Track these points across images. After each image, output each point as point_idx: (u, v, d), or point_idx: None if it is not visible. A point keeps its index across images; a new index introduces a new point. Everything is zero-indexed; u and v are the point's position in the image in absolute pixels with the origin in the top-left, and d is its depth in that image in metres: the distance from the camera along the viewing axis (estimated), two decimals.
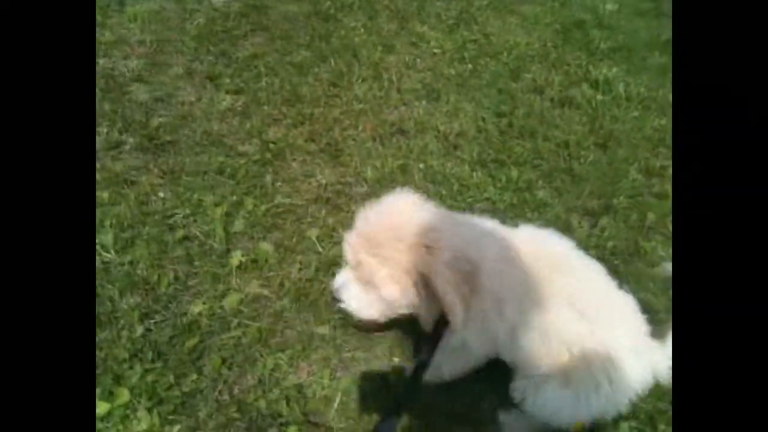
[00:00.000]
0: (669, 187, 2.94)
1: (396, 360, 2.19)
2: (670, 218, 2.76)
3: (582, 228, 2.74)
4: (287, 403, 2.05)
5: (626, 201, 2.85)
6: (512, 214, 2.80)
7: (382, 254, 1.56)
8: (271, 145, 3.06)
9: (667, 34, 4.42)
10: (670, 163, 3.10)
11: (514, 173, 3.01)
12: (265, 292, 2.36)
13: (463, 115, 3.41)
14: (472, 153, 3.13)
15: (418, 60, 3.91)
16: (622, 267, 2.50)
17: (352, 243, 1.66)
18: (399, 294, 1.59)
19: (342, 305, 1.77)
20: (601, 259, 2.55)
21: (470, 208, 2.85)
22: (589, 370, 1.69)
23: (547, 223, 2.73)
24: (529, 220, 2.77)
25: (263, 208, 2.69)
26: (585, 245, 2.60)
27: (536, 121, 3.38)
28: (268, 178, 2.87)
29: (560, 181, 2.99)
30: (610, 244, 2.61)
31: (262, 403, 2.04)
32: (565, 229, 2.68)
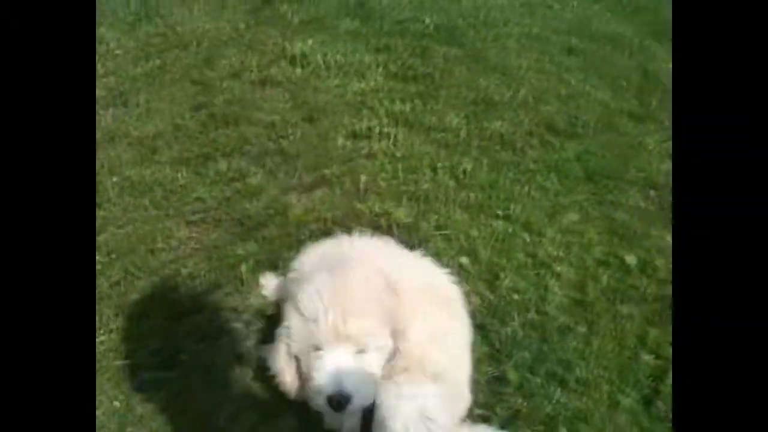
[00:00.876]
0: (376, 146, 3.00)
1: None
2: (381, 175, 2.81)
3: (301, 203, 2.66)
4: None
5: (338, 169, 2.84)
6: (227, 209, 2.62)
7: (367, 313, 1.46)
8: None
9: None
10: (374, 123, 3.16)
11: (223, 165, 2.82)
12: None
13: (158, 115, 3.11)
14: (173, 153, 2.87)
15: (99, 65, 3.47)
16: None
17: (331, 317, 1.43)
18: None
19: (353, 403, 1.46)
20: (324, 232, 2.52)
21: (180, 212, 2.60)
22: None
23: (266, 208, 2.61)
24: (246, 210, 2.61)
25: None
26: (304, 221, 2.53)
27: (238, 106, 3.21)
28: None
29: (272, 163, 2.87)
30: (329, 214, 2.56)
31: None
32: (283, 212, 2.58)
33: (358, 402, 1.47)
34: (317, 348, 1.47)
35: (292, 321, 1.50)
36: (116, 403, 1.82)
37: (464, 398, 1.73)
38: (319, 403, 1.49)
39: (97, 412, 1.82)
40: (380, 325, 1.49)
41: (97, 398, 1.85)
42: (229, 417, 1.78)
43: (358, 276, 1.50)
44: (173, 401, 1.82)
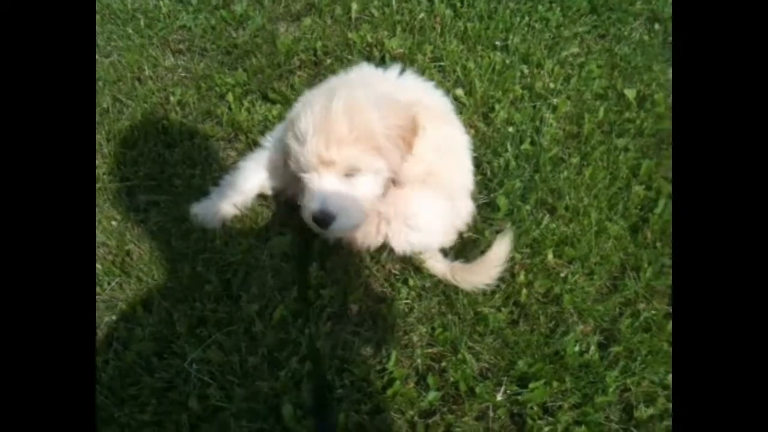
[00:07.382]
0: None
1: None
2: (374, 3, 2.66)
3: (289, 32, 2.54)
4: None
5: None
6: (213, 37, 2.50)
7: (351, 140, 1.46)
8: None
9: None
10: None
11: None
12: None
13: None
14: None
15: None
16: (335, 65, 2.38)
17: (315, 143, 1.46)
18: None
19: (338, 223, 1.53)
20: (314, 63, 2.43)
21: (165, 41, 2.49)
22: None
23: (253, 37, 2.50)
24: (233, 39, 2.50)
25: None
26: (294, 51, 2.43)
27: None
28: None
29: None
30: (319, 44, 2.45)
31: None
32: (271, 41, 2.47)
33: (343, 221, 1.54)
34: (305, 170, 1.52)
35: (290, 141, 1.53)
36: (114, 222, 1.85)
37: (467, 206, 1.83)
38: (308, 220, 1.56)
39: (97, 231, 1.84)
40: (366, 151, 1.49)
41: (97, 218, 1.87)
42: (223, 238, 1.81)
43: (344, 104, 1.47)
44: (168, 222, 1.85)
